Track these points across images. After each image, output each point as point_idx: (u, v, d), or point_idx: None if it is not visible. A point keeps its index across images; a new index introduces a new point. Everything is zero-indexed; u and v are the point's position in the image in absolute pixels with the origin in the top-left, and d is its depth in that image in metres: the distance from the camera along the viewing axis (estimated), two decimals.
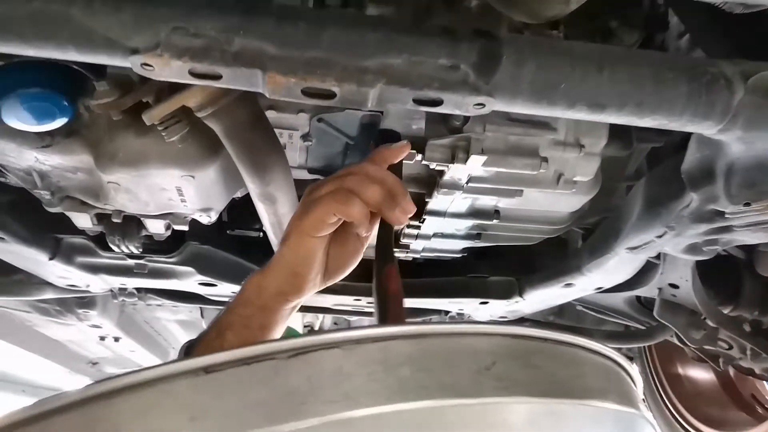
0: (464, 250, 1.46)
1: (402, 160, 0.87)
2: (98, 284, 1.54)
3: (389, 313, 0.64)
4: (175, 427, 0.35)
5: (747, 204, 0.87)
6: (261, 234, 1.47)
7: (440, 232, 1.35)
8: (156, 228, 1.26)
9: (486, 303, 1.57)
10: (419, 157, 1.04)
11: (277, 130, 1.01)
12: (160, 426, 0.35)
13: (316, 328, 2.59)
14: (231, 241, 1.48)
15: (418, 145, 1.03)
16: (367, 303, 1.62)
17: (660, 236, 1.06)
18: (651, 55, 0.80)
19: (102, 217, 1.22)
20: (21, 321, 2.19)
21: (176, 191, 1.08)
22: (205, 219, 1.20)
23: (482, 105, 0.72)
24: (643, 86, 0.73)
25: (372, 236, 0.78)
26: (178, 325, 2.58)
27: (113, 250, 1.33)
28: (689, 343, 1.53)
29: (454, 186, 1.11)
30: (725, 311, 1.46)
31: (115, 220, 1.19)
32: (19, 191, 1.14)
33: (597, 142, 1.05)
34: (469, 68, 0.70)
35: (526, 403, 0.40)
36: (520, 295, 1.51)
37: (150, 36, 0.66)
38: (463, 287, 1.56)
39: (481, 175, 1.09)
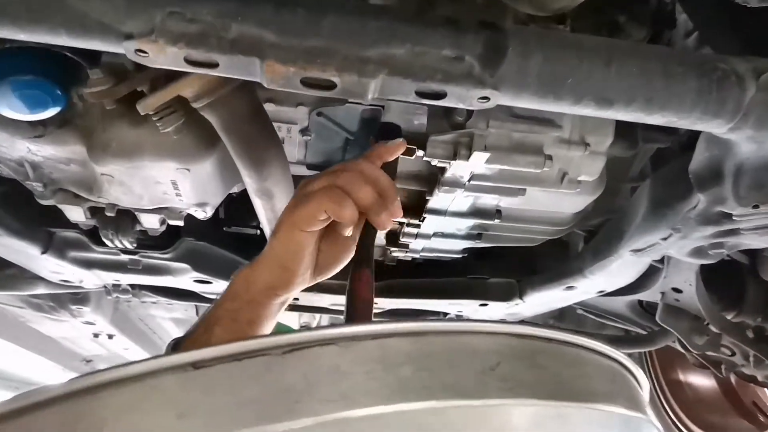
0: (464, 250, 1.44)
1: (397, 159, 0.86)
2: (91, 280, 1.52)
3: (356, 321, 0.62)
4: (162, 424, 0.33)
5: (755, 206, 0.85)
6: (258, 231, 1.45)
7: (440, 231, 1.33)
8: (150, 223, 1.24)
9: (485, 305, 1.55)
10: (420, 153, 1.02)
11: (275, 124, 0.99)
12: (146, 422, 0.33)
13: None
14: (227, 237, 1.46)
15: (420, 140, 1.01)
16: None
17: (665, 238, 1.04)
18: (660, 49, 0.79)
19: (95, 211, 1.20)
20: (14, 317, 2.17)
21: (171, 185, 1.06)
22: (201, 214, 1.19)
23: (487, 99, 0.70)
24: (652, 81, 0.71)
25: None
26: (173, 323, 2.56)
27: (107, 245, 1.31)
28: (692, 349, 1.51)
29: (455, 183, 1.09)
30: (728, 317, 1.45)
31: (108, 214, 1.18)
32: (11, 183, 1.11)
33: (603, 140, 1.03)
34: (474, 60, 0.68)
35: (532, 406, 0.38)
36: (521, 297, 1.49)
37: (144, 21, 0.64)
38: (463, 288, 1.54)
39: (484, 173, 1.08)
